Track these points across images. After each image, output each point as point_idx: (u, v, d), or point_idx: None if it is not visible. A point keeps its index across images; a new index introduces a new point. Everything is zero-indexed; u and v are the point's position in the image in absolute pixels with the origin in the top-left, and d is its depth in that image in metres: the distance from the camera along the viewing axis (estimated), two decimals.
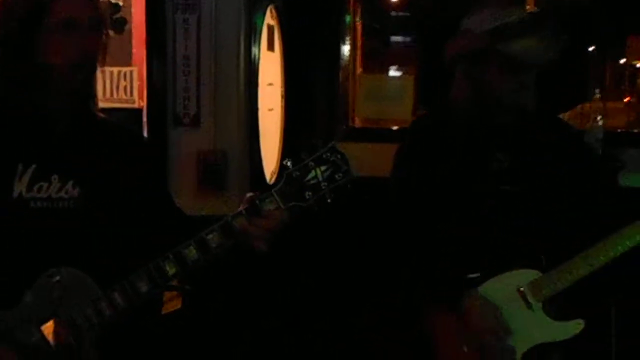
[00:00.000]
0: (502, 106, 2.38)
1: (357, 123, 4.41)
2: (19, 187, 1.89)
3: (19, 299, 1.86)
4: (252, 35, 3.72)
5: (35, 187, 1.90)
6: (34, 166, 1.90)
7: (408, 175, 2.48)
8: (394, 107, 4.29)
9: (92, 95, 2.06)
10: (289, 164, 1.87)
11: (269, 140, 4.01)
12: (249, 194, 1.89)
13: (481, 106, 2.40)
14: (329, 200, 1.87)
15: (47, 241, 1.90)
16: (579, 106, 3.70)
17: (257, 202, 1.85)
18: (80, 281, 1.88)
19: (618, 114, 4.06)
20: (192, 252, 1.85)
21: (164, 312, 3.24)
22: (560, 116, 3.55)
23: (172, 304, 3.30)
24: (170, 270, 1.85)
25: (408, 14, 4.87)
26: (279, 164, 3.89)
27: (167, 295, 3.26)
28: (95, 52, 1.92)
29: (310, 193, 1.85)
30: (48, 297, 1.86)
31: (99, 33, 1.94)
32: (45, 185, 1.91)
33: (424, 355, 2.35)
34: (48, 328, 1.85)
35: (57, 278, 1.87)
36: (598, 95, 3.50)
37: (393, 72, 4.93)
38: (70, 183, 1.92)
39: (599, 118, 3.40)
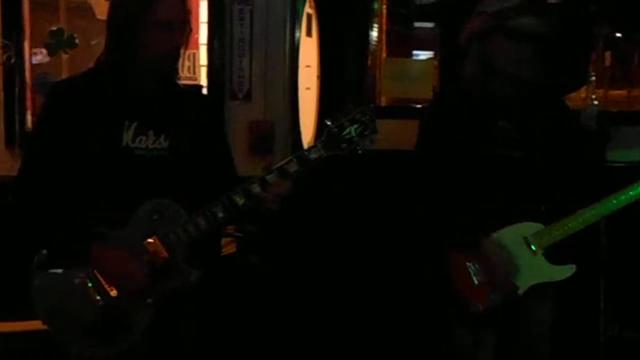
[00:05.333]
0: (505, 76, 2.63)
1: (383, 102, 4.51)
2: (126, 139, 2.26)
3: (126, 223, 2.24)
4: (295, 22, 4.01)
5: (137, 139, 2.27)
6: (136, 123, 2.27)
7: (428, 140, 2.73)
8: (417, 87, 4.34)
9: (176, 71, 2.37)
10: (328, 122, 2.24)
11: (306, 115, 4.25)
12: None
13: (487, 78, 2.66)
14: (359, 151, 2.24)
15: (147, 179, 2.28)
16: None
17: (305, 152, 2.24)
18: (172, 208, 2.24)
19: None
20: (255, 188, 2.23)
21: (223, 253, 3.66)
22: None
23: (228, 248, 3.70)
24: (240, 201, 2.22)
25: (431, 1, 4.85)
26: (314, 137, 4.07)
27: (225, 240, 3.68)
28: (182, 44, 2.28)
29: (345, 145, 2.23)
30: (148, 220, 2.23)
31: (188, 29, 2.30)
32: (144, 138, 2.28)
33: (444, 288, 2.67)
34: (149, 243, 2.22)
35: (154, 206, 2.24)
36: (594, 78, 3.76)
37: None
38: (162, 136, 2.31)
39: (593, 97, 3.73)
